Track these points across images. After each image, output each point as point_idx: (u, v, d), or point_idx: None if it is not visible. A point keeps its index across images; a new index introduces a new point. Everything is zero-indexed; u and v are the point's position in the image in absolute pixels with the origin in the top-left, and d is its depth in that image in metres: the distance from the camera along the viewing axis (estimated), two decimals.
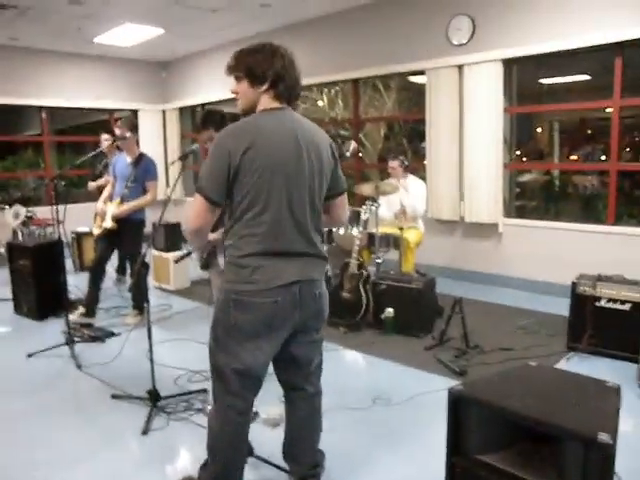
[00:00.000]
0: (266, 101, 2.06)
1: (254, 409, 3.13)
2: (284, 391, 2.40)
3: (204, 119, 3.29)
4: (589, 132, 8.62)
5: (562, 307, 4.39)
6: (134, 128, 4.86)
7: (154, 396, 3.27)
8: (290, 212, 2.02)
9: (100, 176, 6.31)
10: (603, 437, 1.47)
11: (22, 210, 7.57)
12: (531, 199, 8.28)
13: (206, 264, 3.45)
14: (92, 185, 6.35)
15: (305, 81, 7.71)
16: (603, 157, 7.46)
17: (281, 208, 1.99)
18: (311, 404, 2.37)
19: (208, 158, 2.00)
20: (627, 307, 3.81)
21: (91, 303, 4.92)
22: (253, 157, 1.93)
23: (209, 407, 3.18)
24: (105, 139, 6.45)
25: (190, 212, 2.03)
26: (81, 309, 4.90)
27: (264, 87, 2.03)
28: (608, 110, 5.28)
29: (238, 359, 2.05)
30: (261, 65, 2.02)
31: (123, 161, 4.90)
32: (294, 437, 2.43)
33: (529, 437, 1.72)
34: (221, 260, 3.34)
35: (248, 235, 1.99)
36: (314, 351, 2.27)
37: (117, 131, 4.79)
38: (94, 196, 6.28)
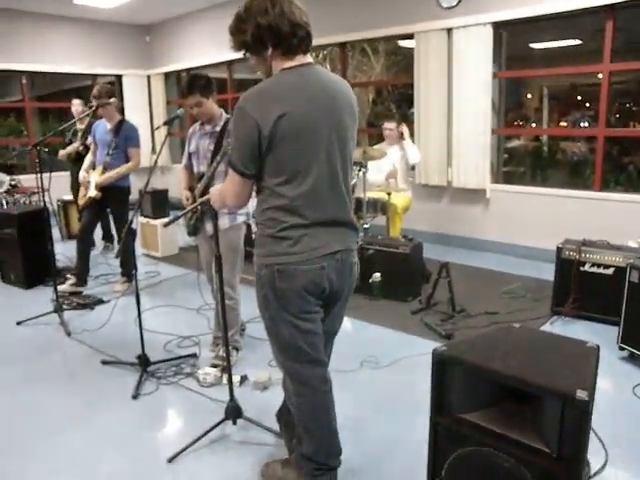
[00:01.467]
0: (279, 61, 1.89)
1: (243, 373, 3.19)
2: None
3: (189, 84, 3.23)
4: (579, 98, 8.59)
5: (548, 272, 4.45)
6: (112, 94, 4.72)
7: (144, 361, 3.30)
8: (328, 180, 1.93)
9: (69, 143, 6.18)
10: (581, 394, 1.51)
11: (6, 178, 7.47)
12: (519, 165, 8.29)
13: (194, 230, 3.43)
14: (62, 153, 6.18)
15: None
16: (591, 124, 7.45)
17: (319, 176, 1.90)
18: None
19: (234, 130, 1.88)
20: (610, 272, 3.86)
21: (81, 272, 4.91)
22: (287, 125, 1.80)
23: (199, 371, 3.24)
24: (76, 104, 6.34)
25: (229, 190, 1.96)
26: (71, 279, 4.89)
27: (269, 52, 1.87)
28: (599, 76, 5.25)
29: (300, 328, 2.00)
30: (252, 32, 1.85)
31: (103, 127, 4.81)
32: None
33: (511, 396, 1.76)
34: (208, 226, 3.32)
35: (286, 207, 1.89)
36: (339, 322, 2.27)
37: (94, 99, 4.64)
38: (67, 165, 6.22)
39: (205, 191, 3.21)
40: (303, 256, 1.90)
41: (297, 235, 1.90)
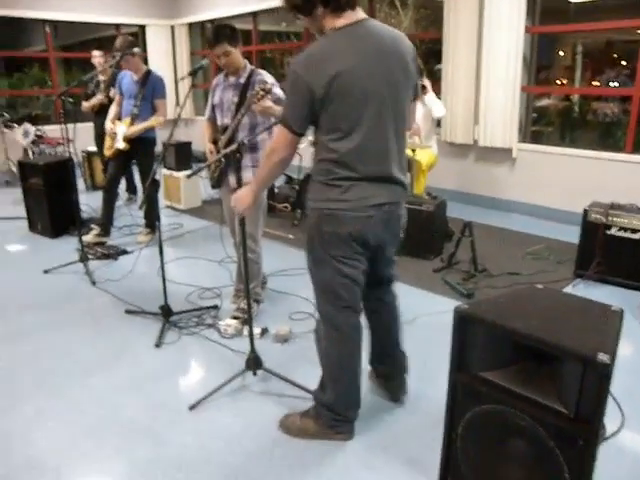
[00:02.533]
0: (330, 20, 1.93)
1: (264, 326, 3.24)
2: (367, 303, 2.39)
3: (217, 33, 3.17)
4: (615, 56, 8.25)
5: (573, 235, 4.38)
6: (134, 45, 4.64)
7: (166, 311, 3.37)
8: (378, 136, 2.00)
9: (93, 95, 6.16)
10: (602, 357, 1.50)
11: (31, 129, 7.51)
12: (548, 125, 8.07)
13: (217, 183, 3.43)
14: (85, 105, 6.15)
15: None
16: (625, 84, 7.17)
17: (369, 133, 1.97)
18: (393, 309, 2.49)
19: (288, 88, 1.96)
20: (638, 236, 3.79)
21: (106, 222, 4.98)
22: (340, 85, 1.86)
23: (220, 323, 3.30)
24: (97, 56, 6.28)
25: (276, 143, 2.03)
26: (95, 229, 4.96)
27: (319, 11, 1.92)
28: (638, 32, 5.02)
29: (341, 272, 2.10)
30: None
31: (129, 78, 4.78)
32: (386, 340, 2.52)
33: (531, 357, 1.76)
34: (231, 179, 3.31)
35: (337, 160, 1.98)
36: (392, 268, 2.41)
37: (116, 52, 4.57)
38: (90, 116, 6.21)
39: (229, 143, 3.20)
40: (352, 204, 2.00)
41: (347, 184, 1.99)
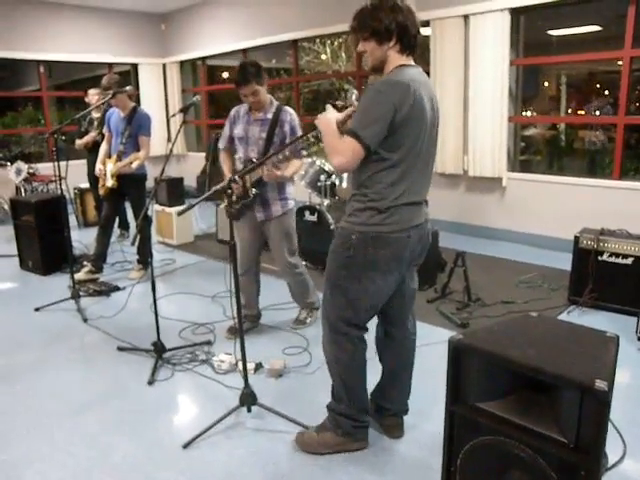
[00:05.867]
0: (395, 56, 2.14)
1: (258, 360, 3.21)
2: (386, 329, 2.50)
3: (244, 73, 3.20)
4: (597, 86, 8.42)
5: (565, 262, 4.40)
6: (123, 83, 4.70)
7: (159, 348, 3.33)
8: (426, 164, 2.23)
9: (86, 133, 6.22)
10: (600, 384, 1.48)
11: (24, 166, 7.53)
12: (536, 153, 8.17)
13: (238, 215, 3.39)
14: (78, 143, 6.23)
15: (307, 33, 7.56)
16: (610, 112, 7.31)
17: (421, 162, 2.18)
18: (411, 341, 2.54)
19: (369, 106, 2.05)
20: (629, 261, 3.81)
21: (99, 259, 4.96)
22: (412, 113, 2.04)
23: (214, 358, 3.26)
24: (92, 94, 6.35)
25: (344, 155, 2.07)
26: (87, 266, 4.93)
27: (391, 43, 2.11)
28: (619, 63, 5.15)
29: (370, 293, 2.23)
30: (386, 22, 2.07)
31: (117, 116, 4.83)
32: (394, 377, 2.55)
33: (528, 386, 1.74)
34: (259, 213, 3.44)
35: (394, 184, 2.13)
36: (415, 284, 2.49)
37: (104, 90, 4.62)
38: (83, 153, 6.27)
39: (260, 181, 3.29)
40: (395, 227, 2.15)
41: (393, 210, 2.14)
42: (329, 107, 2.30)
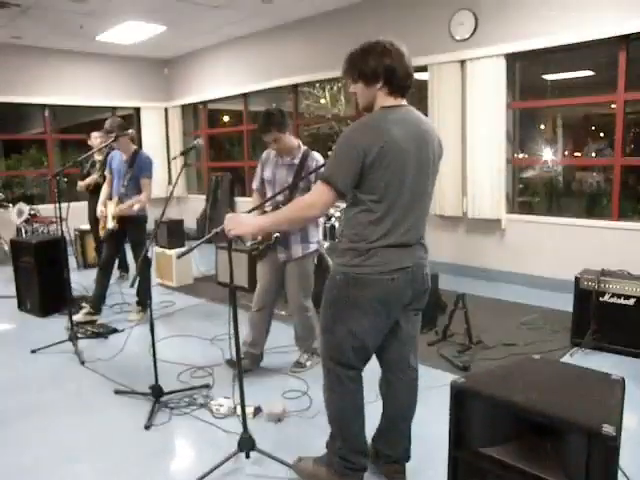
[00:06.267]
0: (383, 97, 2.18)
1: (257, 404, 3.15)
2: (384, 374, 2.48)
3: (265, 122, 3.34)
4: (593, 128, 8.56)
5: (566, 303, 4.37)
6: (124, 127, 4.77)
7: (157, 391, 3.27)
8: (412, 206, 2.19)
9: (88, 175, 6.29)
10: (607, 429, 1.45)
11: (25, 208, 7.58)
12: (534, 195, 8.23)
13: (261, 256, 3.57)
14: (81, 185, 6.31)
15: (307, 77, 7.72)
16: (606, 154, 7.41)
17: (406, 202, 2.15)
18: (411, 388, 2.49)
19: (338, 152, 2.11)
20: (631, 302, 3.79)
21: (98, 300, 4.93)
22: (385, 155, 2.05)
23: (212, 402, 3.20)
24: (95, 137, 6.46)
25: (317, 201, 2.12)
26: (86, 308, 4.90)
27: (379, 85, 2.15)
28: (612, 106, 5.25)
29: (355, 334, 2.22)
30: (372, 65, 2.13)
31: (119, 158, 4.89)
32: (393, 422, 2.51)
33: (533, 430, 1.70)
34: (281, 254, 3.54)
35: (372, 225, 2.14)
36: (415, 330, 2.43)
37: (106, 134, 4.71)
38: (85, 195, 6.34)
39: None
40: (378, 268, 2.14)
41: (375, 251, 2.14)
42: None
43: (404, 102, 2.22)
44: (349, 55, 2.23)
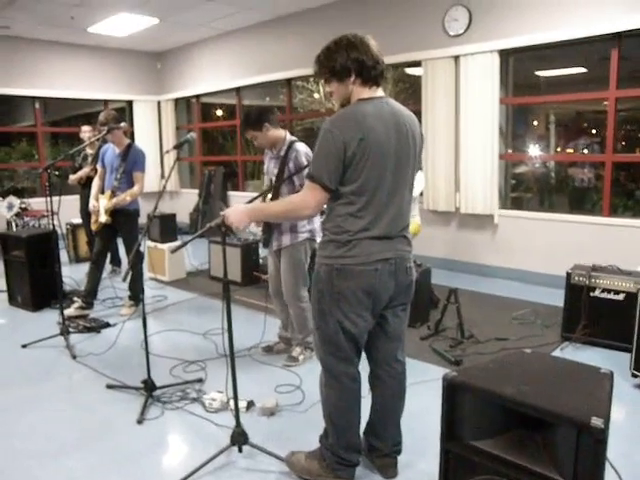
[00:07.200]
0: (358, 89, 2.19)
1: (250, 398, 3.16)
2: (372, 369, 2.50)
3: (242, 122, 3.65)
4: (585, 125, 8.60)
5: (557, 298, 4.41)
6: (119, 119, 4.74)
7: (149, 386, 3.27)
8: (393, 198, 2.20)
9: (79, 168, 6.26)
10: (596, 422, 1.47)
11: (16, 201, 7.53)
12: (527, 191, 8.27)
13: (265, 243, 3.72)
14: (72, 178, 6.27)
15: (301, 72, 7.70)
16: (596, 151, 7.46)
17: (386, 194, 2.17)
18: (399, 381, 2.52)
19: (320, 148, 2.11)
20: (621, 297, 3.82)
21: (90, 295, 4.91)
22: (365, 146, 2.07)
23: (205, 397, 3.20)
24: (84, 131, 6.42)
25: (309, 202, 2.15)
26: (77, 302, 4.88)
27: (352, 78, 2.17)
28: (605, 104, 5.28)
29: (344, 327, 2.24)
30: (340, 61, 2.15)
31: (111, 152, 4.86)
32: (382, 416, 2.52)
33: (523, 423, 1.72)
34: (275, 242, 3.65)
35: (353, 217, 2.16)
36: (402, 325, 2.46)
37: (101, 126, 4.67)
38: (76, 188, 6.30)
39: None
40: (360, 259, 2.16)
41: (355, 242, 2.16)
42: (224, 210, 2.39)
43: (380, 92, 2.23)
44: (317, 57, 2.26)
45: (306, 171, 3.40)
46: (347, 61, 2.14)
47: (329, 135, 2.09)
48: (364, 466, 2.54)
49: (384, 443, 2.53)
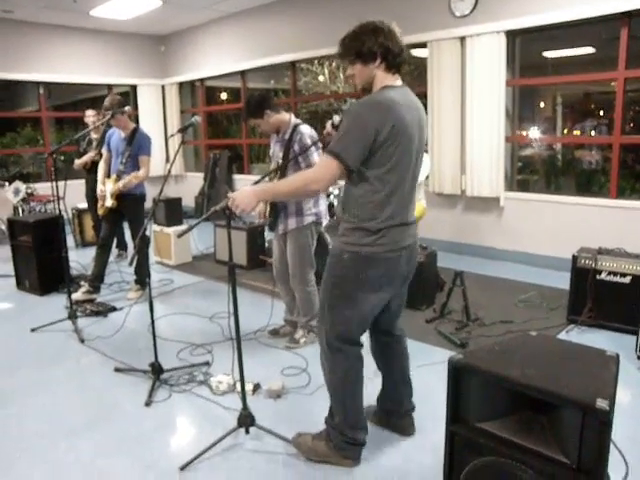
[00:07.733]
0: (381, 75, 2.22)
1: (256, 381, 3.18)
2: (377, 339, 2.63)
3: (244, 111, 3.62)
4: (592, 107, 8.52)
5: (563, 281, 4.40)
6: (124, 104, 4.70)
7: (157, 369, 3.29)
8: (412, 184, 2.28)
9: (85, 153, 6.25)
10: (601, 403, 1.48)
11: (22, 186, 7.54)
12: (533, 173, 8.22)
13: (271, 226, 3.73)
14: (77, 163, 6.25)
15: (305, 54, 7.61)
16: (603, 132, 7.40)
17: (409, 180, 2.24)
18: (403, 344, 2.66)
19: (351, 128, 2.11)
20: (627, 280, 3.81)
21: (97, 279, 4.94)
22: (397, 133, 2.09)
23: (212, 379, 3.23)
24: (89, 115, 6.40)
25: (322, 175, 2.15)
26: (85, 286, 4.91)
27: (376, 63, 2.19)
28: (613, 84, 5.21)
29: (362, 310, 2.31)
30: (368, 44, 2.17)
31: (117, 136, 4.85)
32: (393, 378, 2.65)
33: (528, 405, 1.73)
34: (281, 225, 3.65)
35: (381, 204, 2.18)
36: (404, 301, 2.59)
37: (106, 111, 4.65)
38: (82, 173, 6.30)
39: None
40: (387, 247, 2.21)
41: (384, 230, 2.20)
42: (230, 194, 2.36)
43: (400, 80, 2.27)
44: (343, 38, 2.26)
45: (312, 152, 3.42)
46: (374, 45, 2.16)
47: (360, 120, 2.10)
48: (369, 448, 2.56)
49: (399, 403, 2.66)
